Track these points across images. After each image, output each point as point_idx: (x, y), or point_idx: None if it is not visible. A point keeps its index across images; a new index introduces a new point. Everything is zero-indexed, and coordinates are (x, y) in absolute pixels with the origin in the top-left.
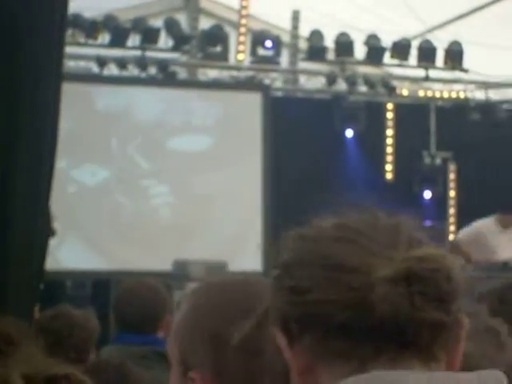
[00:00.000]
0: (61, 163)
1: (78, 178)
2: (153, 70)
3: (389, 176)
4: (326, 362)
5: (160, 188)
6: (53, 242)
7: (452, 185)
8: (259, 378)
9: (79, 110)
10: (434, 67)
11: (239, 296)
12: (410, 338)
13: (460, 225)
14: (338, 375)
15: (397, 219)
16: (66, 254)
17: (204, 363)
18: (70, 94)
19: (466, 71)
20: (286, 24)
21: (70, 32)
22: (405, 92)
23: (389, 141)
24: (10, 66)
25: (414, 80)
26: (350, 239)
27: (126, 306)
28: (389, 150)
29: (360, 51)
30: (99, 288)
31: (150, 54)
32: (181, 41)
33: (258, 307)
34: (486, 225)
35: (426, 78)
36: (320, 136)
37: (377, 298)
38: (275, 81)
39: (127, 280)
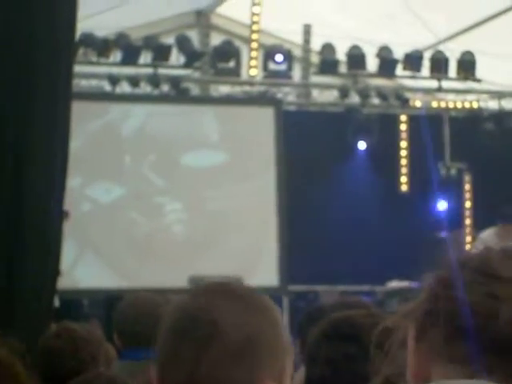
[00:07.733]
0: (75, 181)
1: (92, 195)
2: (165, 87)
3: (403, 188)
4: (442, 363)
5: (174, 205)
6: (69, 261)
7: (467, 195)
8: None
9: (92, 128)
10: (447, 78)
11: None
12: None
13: (476, 236)
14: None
15: None
16: (83, 272)
17: None
18: (83, 112)
19: (478, 81)
20: (298, 38)
21: (81, 51)
22: (418, 103)
23: (403, 153)
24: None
25: (427, 91)
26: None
27: (127, 322)
28: (403, 161)
29: (372, 64)
30: (113, 306)
31: (162, 71)
32: (192, 57)
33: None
34: (485, 237)
35: (439, 89)
36: (333, 149)
37: (503, 314)
38: (288, 95)
39: (126, 297)
